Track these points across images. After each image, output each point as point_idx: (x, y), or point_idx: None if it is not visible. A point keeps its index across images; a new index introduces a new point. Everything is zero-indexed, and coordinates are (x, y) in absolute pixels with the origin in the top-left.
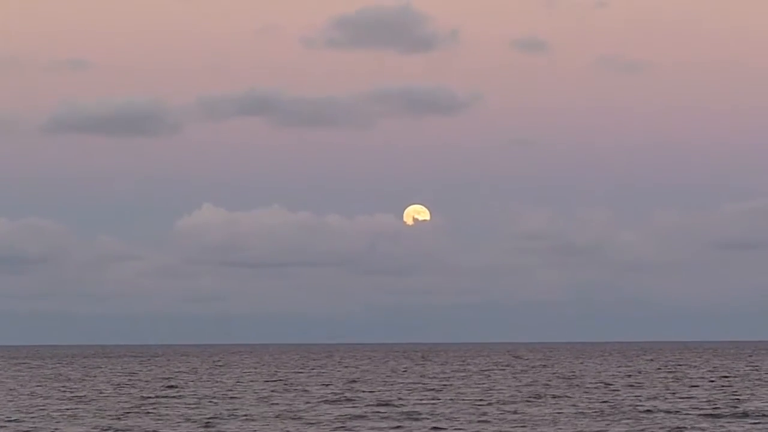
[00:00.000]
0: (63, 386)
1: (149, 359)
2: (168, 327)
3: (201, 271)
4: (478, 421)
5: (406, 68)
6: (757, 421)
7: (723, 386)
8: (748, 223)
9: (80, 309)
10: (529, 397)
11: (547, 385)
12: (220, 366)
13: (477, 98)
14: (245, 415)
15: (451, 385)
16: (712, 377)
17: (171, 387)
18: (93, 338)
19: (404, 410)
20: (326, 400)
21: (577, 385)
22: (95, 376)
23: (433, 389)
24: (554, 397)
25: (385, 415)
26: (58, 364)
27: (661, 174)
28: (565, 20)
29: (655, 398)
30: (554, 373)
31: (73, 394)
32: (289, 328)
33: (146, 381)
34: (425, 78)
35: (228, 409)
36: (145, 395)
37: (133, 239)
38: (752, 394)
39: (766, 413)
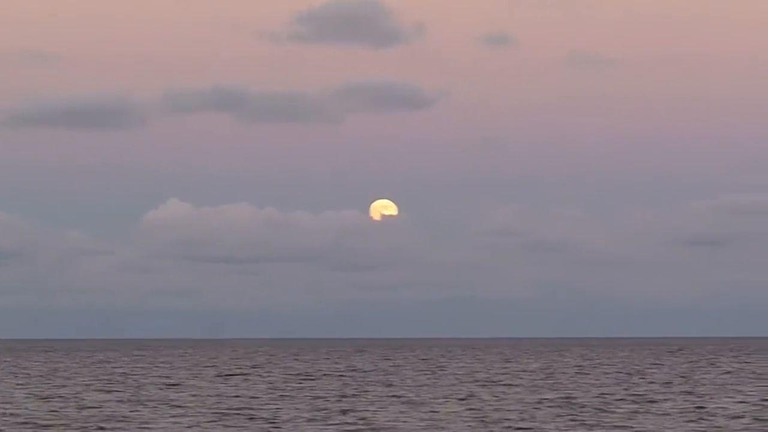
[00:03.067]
0: None
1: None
2: (135, 321)
3: (168, 266)
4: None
5: (372, 63)
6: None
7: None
8: (716, 219)
9: (47, 304)
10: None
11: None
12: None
13: (444, 93)
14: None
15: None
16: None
17: None
18: (60, 333)
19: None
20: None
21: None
22: None
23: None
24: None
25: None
26: None
27: (630, 170)
28: (533, 15)
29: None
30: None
31: None
32: (255, 323)
33: None
34: (392, 73)
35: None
36: None
37: (100, 234)
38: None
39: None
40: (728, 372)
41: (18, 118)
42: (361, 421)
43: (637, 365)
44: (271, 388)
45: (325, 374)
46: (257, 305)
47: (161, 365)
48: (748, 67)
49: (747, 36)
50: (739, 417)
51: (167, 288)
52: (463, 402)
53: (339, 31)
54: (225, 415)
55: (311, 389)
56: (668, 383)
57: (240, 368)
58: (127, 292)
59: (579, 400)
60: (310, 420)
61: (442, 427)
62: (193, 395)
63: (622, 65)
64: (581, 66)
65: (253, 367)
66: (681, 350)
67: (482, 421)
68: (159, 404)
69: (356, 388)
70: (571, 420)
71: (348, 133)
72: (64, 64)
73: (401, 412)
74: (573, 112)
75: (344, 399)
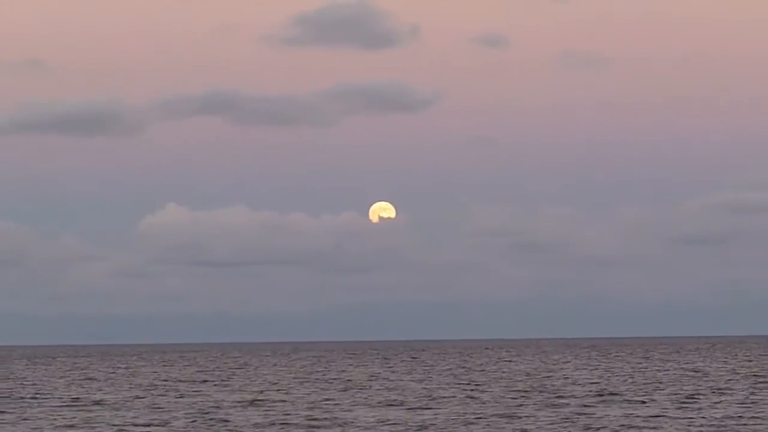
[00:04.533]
0: None
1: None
2: (133, 327)
3: (165, 271)
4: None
5: (367, 65)
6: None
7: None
8: (711, 218)
9: (43, 310)
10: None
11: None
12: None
13: (439, 95)
14: None
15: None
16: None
17: None
18: (57, 339)
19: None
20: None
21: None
22: None
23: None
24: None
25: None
26: None
27: (623, 169)
28: (526, 15)
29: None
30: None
31: None
32: (254, 327)
33: None
34: (387, 75)
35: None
36: None
37: (97, 240)
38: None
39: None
40: (721, 371)
41: (13, 126)
42: (351, 423)
43: (630, 366)
44: (258, 391)
45: (317, 379)
46: (255, 309)
47: (149, 371)
48: (743, 66)
49: (741, 35)
50: (729, 417)
51: (165, 293)
52: (456, 403)
53: (334, 34)
54: (204, 414)
55: (303, 391)
56: (659, 383)
57: (232, 369)
58: (125, 298)
59: (568, 400)
60: (299, 424)
61: (425, 428)
62: (178, 397)
63: (615, 64)
64: (575, 65)
65: (241, 368)
66: (678, 351)
67: (471, 422)
68: (145, 408)
69: (346, 390)
70: (562, 419)
71: (344, 136)
72: (58, 71)
73: (388, 415)
74: (567, 112)
75: (335, 399)
